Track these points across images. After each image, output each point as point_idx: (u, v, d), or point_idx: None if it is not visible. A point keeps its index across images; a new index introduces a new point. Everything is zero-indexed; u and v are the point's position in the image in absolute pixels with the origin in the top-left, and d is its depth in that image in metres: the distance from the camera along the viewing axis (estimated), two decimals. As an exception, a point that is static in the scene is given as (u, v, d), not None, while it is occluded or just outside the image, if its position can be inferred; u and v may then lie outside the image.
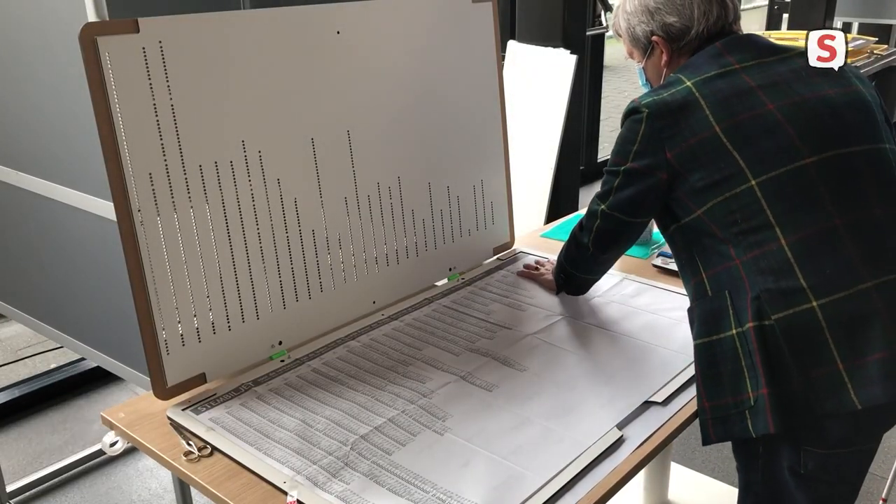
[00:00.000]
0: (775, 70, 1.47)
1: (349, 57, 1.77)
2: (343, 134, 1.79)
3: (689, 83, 1.46)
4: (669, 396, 1.58)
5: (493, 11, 2.09)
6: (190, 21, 1.50)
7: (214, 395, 1.59)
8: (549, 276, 2.02)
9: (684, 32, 1.54)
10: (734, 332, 1.42)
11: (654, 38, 1.57)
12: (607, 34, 5.34)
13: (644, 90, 1.67)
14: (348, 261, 1.85)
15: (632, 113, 1.51)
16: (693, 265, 1.53)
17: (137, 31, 1.41)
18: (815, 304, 1.35)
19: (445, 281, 2.11)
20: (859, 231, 1.38)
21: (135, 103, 1.43)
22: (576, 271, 1.88)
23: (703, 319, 1.49)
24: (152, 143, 1.47)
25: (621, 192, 1.56)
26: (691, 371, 1.64)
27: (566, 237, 2.35)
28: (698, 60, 1.51)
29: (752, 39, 1.53)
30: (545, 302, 1.97)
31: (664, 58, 1.59)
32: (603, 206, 1.62)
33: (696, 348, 1.49)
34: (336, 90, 1.76)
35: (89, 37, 1.36)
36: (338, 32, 1.73)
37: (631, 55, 1.67)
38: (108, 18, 1.52)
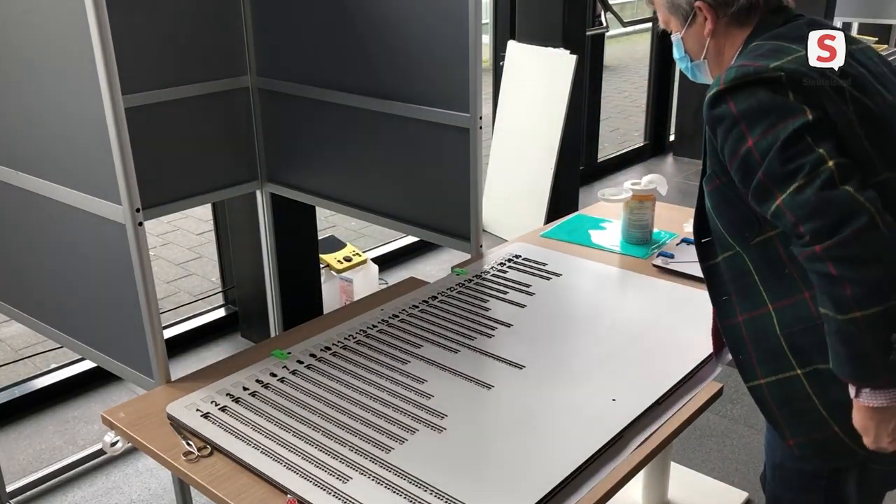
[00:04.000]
0: (865, 59, 1.35)
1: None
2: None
3: (804, 52, 1.28)
4: (670, 397, 1.58)
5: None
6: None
7: (215, 394, 1.59)
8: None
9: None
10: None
11: (697, 3, 1.41)
12: (607, 34, 5.33)
13: (679, 63, 1.54)
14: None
15: (757, 81, 1.24)
16: (791, 280, 1.31)
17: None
18: None
19: (445, 279, 2.11)
20: None
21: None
22: None
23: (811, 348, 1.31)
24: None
25: (828, 136, 1.20)
26: (691, 371, 1.64)
27: (566, 237, 2.37)
28: (785, 32, 1.35)
29: (829, 25, 1.40)
30: (545, 300, 1.97)
31: (708, 26, 1.42)
32: (832, 162, 1.17)
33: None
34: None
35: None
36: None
37: (667, 24, 1.50)
38: (107, 18, 1.51)
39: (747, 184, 1.26)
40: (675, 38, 1.50)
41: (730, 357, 1.50)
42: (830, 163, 1.17)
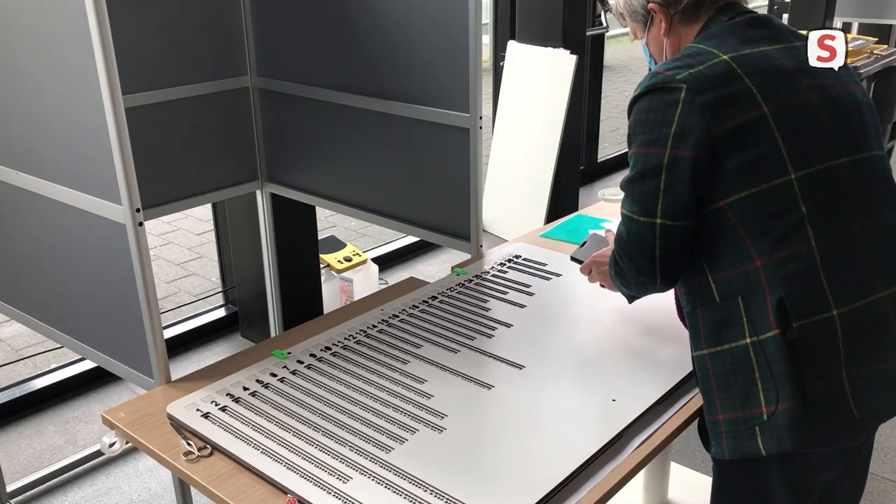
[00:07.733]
0: (804, 56, 1.38)
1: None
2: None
3: (724, 56, 1.33)
4: (669, 397, 1.58)
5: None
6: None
7: (215, 394, 1.59)
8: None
9: None
10: (748, 341, 1.33)
11: (651, 5, 1.47)
12: (607, 34, 5.33)
13: (651, 67, 1.56)
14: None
15: (660, 89, 1.33)
16: (697, 268, 1.40)
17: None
18: (835, 312, 1.30)
19: (445, 279, 2.11)
20: (874, 238, 1.35)
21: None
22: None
23: (711, 328, 1.38)
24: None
25: (675, 192, 1.33)
26: (691, 371, 1.64)
27: (566, 237, 2.37)
28: (721, 32, 1.40)
29: (773, 20, 1.45)
30: (545, 300, 1.97)
31: (663, 26, 1.48)
32: (660, 220, 1.35)
33: (707, 358, 1.40)
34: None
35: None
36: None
37: (636, 34, 1.56)
38: (107, 18, 1.51)
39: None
40: (642, 44, 1.58)
41: None
42: (658, 220, 1.35)
